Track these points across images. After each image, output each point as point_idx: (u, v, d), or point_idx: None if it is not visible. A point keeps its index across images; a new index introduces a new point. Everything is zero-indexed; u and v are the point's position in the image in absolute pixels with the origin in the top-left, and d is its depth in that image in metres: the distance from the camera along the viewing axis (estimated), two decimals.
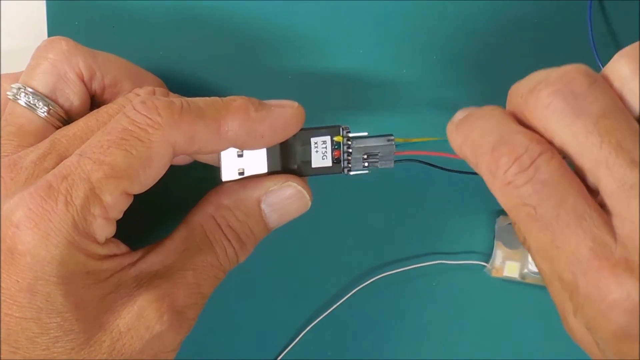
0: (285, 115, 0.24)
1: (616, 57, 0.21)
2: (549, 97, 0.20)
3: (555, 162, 0.20)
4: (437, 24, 0.31)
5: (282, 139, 0.24)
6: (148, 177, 0.22)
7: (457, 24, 0.31)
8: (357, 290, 0.30)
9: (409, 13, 0.31)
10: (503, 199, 0.21)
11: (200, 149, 0.23)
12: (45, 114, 0.25)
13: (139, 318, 0.22)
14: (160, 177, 0.23)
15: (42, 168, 0.23)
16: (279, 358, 0.31)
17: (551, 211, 0.20)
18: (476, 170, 0.22)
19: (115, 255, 0.23)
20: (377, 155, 0.25)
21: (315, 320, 0.31)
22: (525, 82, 0.21)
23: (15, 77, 0.26)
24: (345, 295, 0.31)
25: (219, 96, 0.24)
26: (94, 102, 0.27)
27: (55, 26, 0.32)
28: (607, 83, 0.20)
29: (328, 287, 0.31)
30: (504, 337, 0.30)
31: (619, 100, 0.20)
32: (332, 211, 0.31)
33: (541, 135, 0.21)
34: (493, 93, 0.30)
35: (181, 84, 0.31)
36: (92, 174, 0.21)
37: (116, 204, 0.22)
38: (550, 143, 0.20)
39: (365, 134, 0.25)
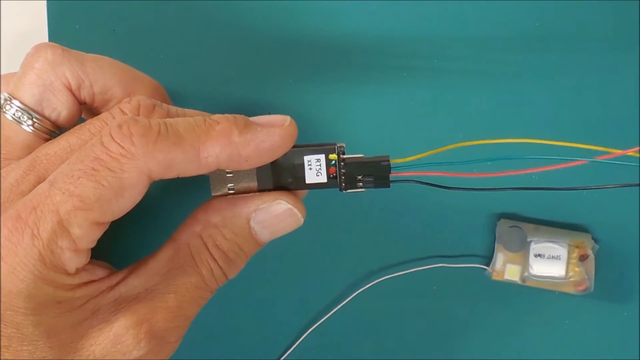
0: (272, 137, 0.23)
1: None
2: None
3: None
4: (438, 26, 0.31)
5: (268, 161, 0.23)
6: (121, 207, 0.22)
7: (459, 27, 0.31)
8: (358, 293, 0.31)
9: (409, 15, 0.31)
10: None
11: (179, 175, 0.22)
12: (31, 127, 0.25)
13: (115, 344, 0.22)
14: (136, 203, 0.22)
15: (18, 191, 0.23)
16: None
17: None
18: None
19: (91, 282, 0.23)
20: (372, 176, 0.24)
21: (316, 323, 0.31)
22: None
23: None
24: (347, 298, 0.31)
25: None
26: (86, 109, 0.27)
27: (56, 28, 0.32)
28: None
29: (329, 290, 0.31)
30: (505, 340, 0.31)
31: None
32: (333, 214, 0.31)
33: None
34: (495, 98, 0.31)
35: (182, 87, 0.31)
36: (61, 206, 0.21)
37: (85, 235, 0.21)
38: None
39: (361, 155, 0.24)
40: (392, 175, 0.24)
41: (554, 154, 0.24)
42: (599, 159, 0.24)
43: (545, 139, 0.25)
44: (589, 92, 0.30)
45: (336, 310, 0.31)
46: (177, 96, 0.30)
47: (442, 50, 0.31)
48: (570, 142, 0.24)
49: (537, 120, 0.30)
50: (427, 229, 0.31)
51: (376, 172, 0.24)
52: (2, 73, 0.29)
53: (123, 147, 0.21)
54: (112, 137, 0.21)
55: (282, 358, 0.31)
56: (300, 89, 0.31)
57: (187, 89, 0.31)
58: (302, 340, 0.31)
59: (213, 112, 0.26)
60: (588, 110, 0.30)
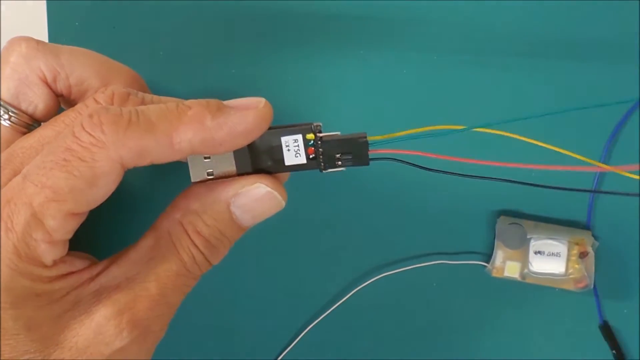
0: (246, 119, 0.22)
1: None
2: None
3: None
4: (439, 26, 0.31)
5: (243, 144, 0.23)
6: (95, 196, 0.22)
7: (461, 26, 0.31)
8: (357, 290, 0.30)
9: (408, 14, 0.31)
10: None
11: (153, 162, 0.22)
12: (8, 122, 0.25)
13: (97, 335, 0.22)
14: (111, 192, 0.22)
15: None
16: (279, 358, 0.31)
17: None
18: None
19: (71, 273, 0.23)
20: (350, 153, 0.23)
21: (315, 320, 0.31)
22: None
23: None
24: (346, 295, 0.31)
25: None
26: (64, 101, 0.27)
27: (56, 27, 0.32)
28: None
29: (328, 288, 0.31)
30: (505, 337, 0.31)
31: None
32: (332, 211, 0.31)
33: None
34: (488, 87, 0.31)
35: (181, 84, 0.31)
36: (34, 198, 0.21)
37: (60, 226, 0.21)
38: None
39: (338, 133, 0.23)
40: (371, 153, 0.23)
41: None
42: (597, 168, 0.24)
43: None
44: (588, 92, 0.30)
45: (335, 308, 0.31)
46: (177, 94, 0.30)
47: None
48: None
49: (537, 118, 0.30)
50: (427, 225, 0.31)
51: (354, 150, 0.23)
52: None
53: (93, 136, 0.21)
54: (83, 127, 0.21)
55: (282, 356, 0.31)
56: (300, 90, 0.31)
57: (186, 87, 0.31)
58: (302, 337, 0.31)
59: None
60: (587, 109, 0.30)
